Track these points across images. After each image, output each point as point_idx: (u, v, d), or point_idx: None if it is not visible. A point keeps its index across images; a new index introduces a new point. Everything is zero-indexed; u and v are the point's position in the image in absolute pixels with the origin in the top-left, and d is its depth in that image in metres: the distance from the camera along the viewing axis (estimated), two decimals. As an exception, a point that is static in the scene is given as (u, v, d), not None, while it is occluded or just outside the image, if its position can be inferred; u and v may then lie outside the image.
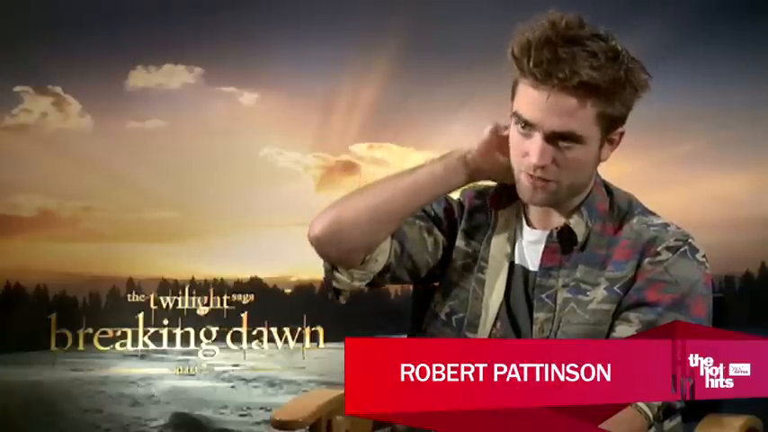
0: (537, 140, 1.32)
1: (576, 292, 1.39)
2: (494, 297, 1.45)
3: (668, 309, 1.34)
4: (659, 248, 1.38)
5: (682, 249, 1.38)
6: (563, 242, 1.41)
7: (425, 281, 1.56)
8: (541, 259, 1.42)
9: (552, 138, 1.32)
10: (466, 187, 1.51)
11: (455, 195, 1.55)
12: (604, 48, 1.29)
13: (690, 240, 1.40)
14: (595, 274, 1.39)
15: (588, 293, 1.39)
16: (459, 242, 1.51)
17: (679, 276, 1.36)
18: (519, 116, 1.33)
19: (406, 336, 1.69)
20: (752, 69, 7.73)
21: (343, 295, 1.50)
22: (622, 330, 1.35)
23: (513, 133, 1.37)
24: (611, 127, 1.35)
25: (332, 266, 1.47)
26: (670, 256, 1.37)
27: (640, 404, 1.30)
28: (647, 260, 1.38)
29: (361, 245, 1.43)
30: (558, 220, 1.43)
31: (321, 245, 1.43)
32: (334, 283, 1.48)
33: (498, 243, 1.48)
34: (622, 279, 1.38)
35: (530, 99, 1.31)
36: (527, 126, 1.33)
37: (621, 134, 1.38)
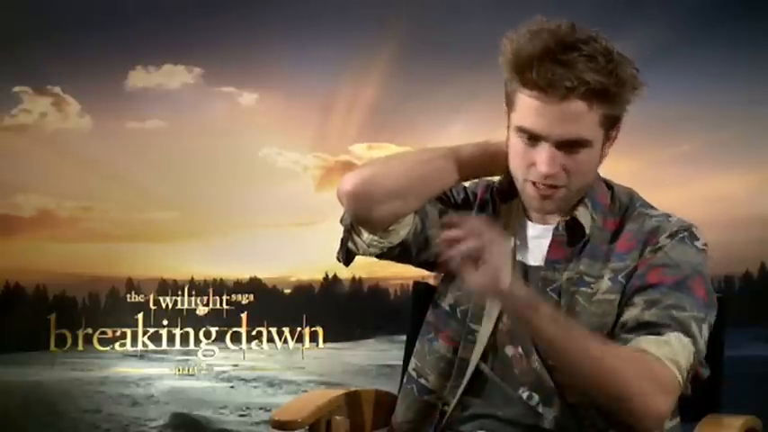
0: (545, 149, 1.33)
1: (580, 284, 1.40)
2: None
3: (671, 288, 1.35)
4: (661, 238, 1.39)
5: (681, 236, 1.39)
6: (570, 234, 1.42)
7: (429, 266, 1.56)
8: (548, 252, 1.43)
9: (560, 145, 1.32)
10: (476, 180, 1.52)
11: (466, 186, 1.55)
12: (600, 49, 1.31)
13: (692, 229, 1.41)
14: (599, 267, 1.40)
15: (592, 286, 1.39)
16: None
17: (680, 260, 1.37)
18: (525, 130, 1.34)
19: (405, 336, 1.69)
20: (748, 69, 7.74)
21: (352, 260, 1.51)
22: (628, 314, 1.35)
23: (516, 144, 1.37)
24: (612, 126, 1.36)
25: (352, 227, 1.46)
26: (669, 242, 1.38)
27: (669, 357, 1.30)
28: (648, 249, 1.39)
29: (391, 209, 1.42)
30: (557, 216, 1.43)
31: (353, 200, 1.41)
32: (350, 245, 1.48)
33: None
34: (625, 269, 1.39)
35: (535, 111, 1.31)
36: (533, 137, 1.33)
37: (618, 129, 1.39)
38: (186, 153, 8.98)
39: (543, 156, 1.33)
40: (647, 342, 1.30)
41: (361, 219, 1.44)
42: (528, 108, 1.33)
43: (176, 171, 8.99)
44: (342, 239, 1.50)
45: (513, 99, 1.36)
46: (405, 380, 1.56)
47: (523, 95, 1.33)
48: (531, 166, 1.36)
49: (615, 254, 1.40)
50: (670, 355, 1.30)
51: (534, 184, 1.37)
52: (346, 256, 1.51)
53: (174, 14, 8.04)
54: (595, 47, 1.30)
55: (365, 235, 1.46)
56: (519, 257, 1.46)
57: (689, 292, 1.35)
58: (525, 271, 1.44)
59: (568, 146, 1.33)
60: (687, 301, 1.34)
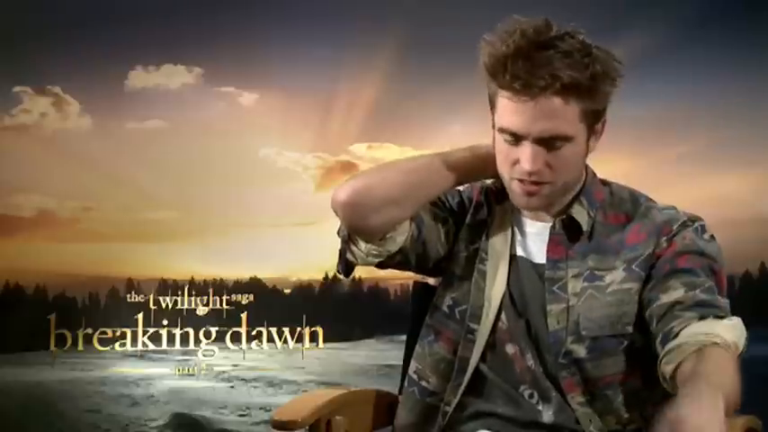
0: (527, 147, 1.34)
1: (592, 279, 1.40)
2: (495, 288, 1.46)
3: (706, 274, 1.35)
4: (675, 227, 1.40)
5: (695, 226, 1.40)
6: (567, 233, 1.42)
7: (429, 271, 1.56)
8: (547, 251, 1.43)
9: (542, 141, 1.33)
10: (471, 184, 1.53)
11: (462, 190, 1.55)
12: (576, 45, 1.31)
13: (702, 222, 1.41)
14: (610, 260, 1.40)
15: (605, 279, 1.40)
16: (464, 235, 1.51)
17: (705, 248, 1.38)
18: (505, 130, 1.35)
19: (405, 336, 1.69)
20: (751, 70, 7.75)
21: (352, 270, 1.51)
22: (675, 294, 1.34)
23: (500, 143, 1.38)
24: (594, 120, 1.37)
25: (349, 238, 1.46)
26: (684, 230, 1.39)
27: (735, 342, 1.28)
28: (664, 238, 1.39)
29: (387, 216, 1.42)
30: (554, 211, 1.43)
31: (348, 210, 1.41)
32: (348, 255, 1.48)
33: (497, 235, 1.49)
34: (639, 257, 1.39)
35: (513, 111, 1.33)
36: (514, 136, 1.34)
37: (604, 122, 1.39)
38: (186, 153, 9.02)
39: (525, 153, 1.34)
40: (721, 327, 1.29)
41: (358, 228, 1.44)
42: (506, 108, 1.34)
43: (176, 171, 9.02)
44: (340, 251, 1.50)
45: (494, 100, 1.37)
46: (406, 383, 1.56)
47: (501, 97, 1.35)
48: (516, 164, 1.37)
49: (626, 246, 1.41)
50: (738, 338, 1.30)
51: (520, 181, 1.38)
52: (345, 267, 1.51)
53: (174, 14, 8.05)
54: (571, 42, 1.31)
55: (362, 245, 1.46)
56: (521, 253, 1.46)
57: (717, 282, 1.36)
58: (534, 267, 1.45)
59: (549, 142, 1.34)
60: (717, 288, 1.35)
